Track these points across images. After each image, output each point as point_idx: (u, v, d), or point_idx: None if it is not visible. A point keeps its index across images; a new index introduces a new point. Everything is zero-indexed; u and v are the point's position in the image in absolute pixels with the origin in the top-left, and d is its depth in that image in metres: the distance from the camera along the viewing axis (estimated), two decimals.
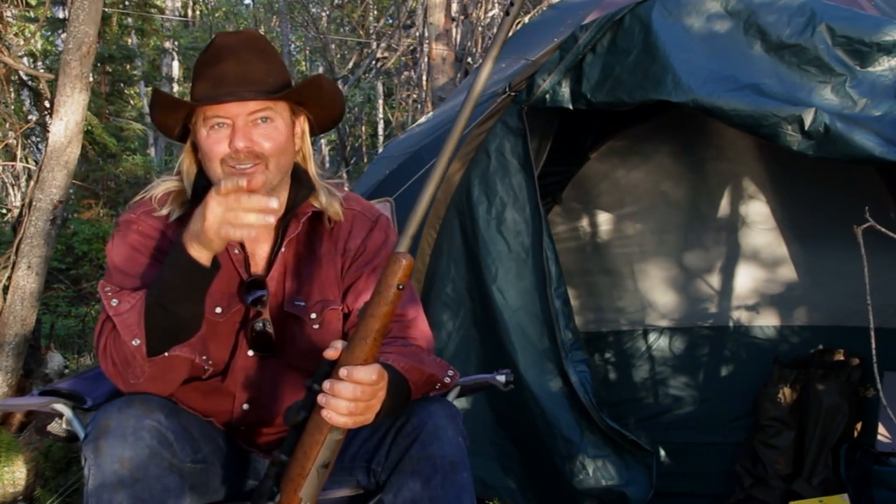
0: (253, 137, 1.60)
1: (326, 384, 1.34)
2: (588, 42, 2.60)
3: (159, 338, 1.51)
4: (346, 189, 1.87)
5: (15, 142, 4.40)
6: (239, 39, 1.67)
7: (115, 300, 1.54)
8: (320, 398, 1.34)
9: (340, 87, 10.48)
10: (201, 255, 1.48)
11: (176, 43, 12.69)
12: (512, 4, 1.29)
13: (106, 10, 7.57)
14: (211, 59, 1.64)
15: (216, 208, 1.41)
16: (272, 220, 1.43)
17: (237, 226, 1.41)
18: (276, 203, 1.43)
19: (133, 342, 1.50)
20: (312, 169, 1.74)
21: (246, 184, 1.40)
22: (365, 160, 12.37)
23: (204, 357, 1.61)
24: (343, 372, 1.33)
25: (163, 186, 1.71)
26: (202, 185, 1.66)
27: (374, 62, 11.44)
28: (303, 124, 1.71)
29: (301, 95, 1.68)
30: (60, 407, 1.73)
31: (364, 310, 1.34)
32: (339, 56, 12.28)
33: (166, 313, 1.50)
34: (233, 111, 1.60)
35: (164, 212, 1.67)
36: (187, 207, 1.67)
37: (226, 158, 1.60)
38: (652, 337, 3.62)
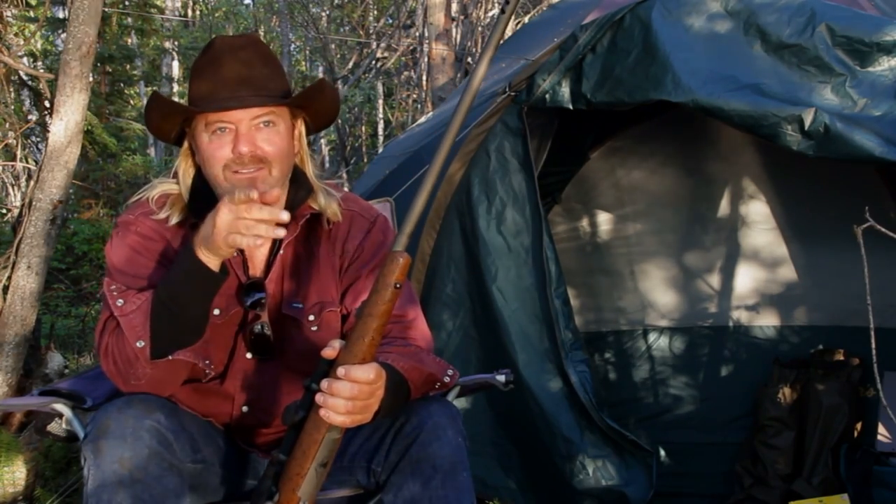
0: (256, 142, 1.60)
1: (324, 383, 1.34)
2: (588, 42, 2.60)
3: (164, 340, 1.52)
4: (344, 189, 1.87)
5: (15, 142, 4.40)
6: (239, 42, 1.66)
7: (120, 300, 1.54)
8: (318, 397, 1.34)
9: (340, 87, 10.48)
10: (210, 259, 1.49)
11: (176, 43, 12.70)
12: (507, 2, 1.29)
13: (106, 10, 7.58)
14: (211, 60, 1.63)
15: (227, 215, 1.42)
16: (282, 232, 1.44)
17: (246, 235, 1.41)
18: (287, 216, 1.43)
19: (137, 344, 1.51)
20: (310, 170, 1.73)
21: (258, 196, 1.41)
22: (365, 160, 12.37)
23: (206, 361, 1.61)
24: (341, 371, 1.33)
25: (159, 188, 1.71)
26: (200, 190, 1.66)
27: (374, 62, 11.43)
28: (300, 126, 1.71)
29: (306, 101, 1.68)
30: (60, 407, 1.73)
31: (361, 309, 1.34)
32: (339, 56, 12.27)
33: (172, 316, 1.51)
34: (236, 116, 1.60)
35: (163, 216, 1.67)
36: (185, 212, 1.67)
37: (229, 163, 1.60)
38: (652, 337, 3.62)
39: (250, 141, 1.59)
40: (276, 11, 12.89)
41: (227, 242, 1.44)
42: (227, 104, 1.59)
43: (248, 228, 1.41)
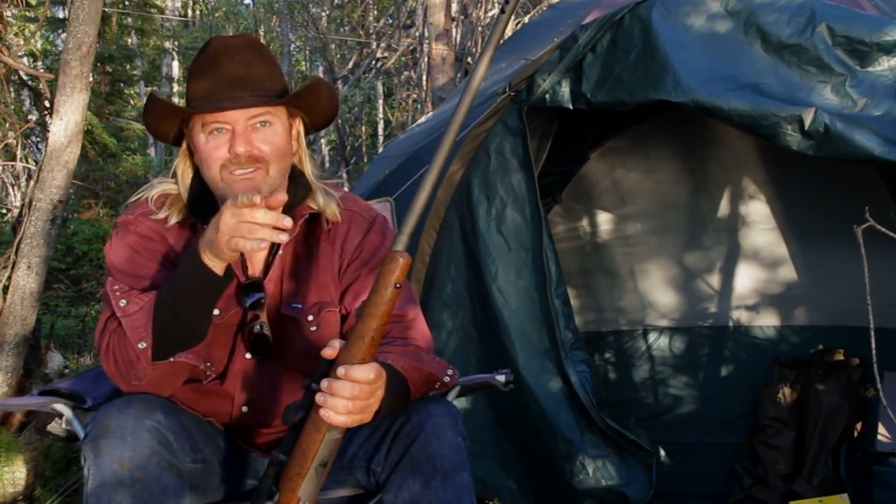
0: (253, 142, 1.60)
1: (324, 383, 1.34)
2: (588, 42, 2.60)
3: (166, 342, 1.52)
4: (344, 189, 1.87)
5: (15, 142, 4.40)
6: (236, 42, 1.66)
7: (123, 300, 1.54)
8: (318, 397, 1.34)
9: (340, 87, 10.48)
10: (214, 263, 1.49)
11: (176, 43, 12.70)
12: (507, 2, 1.29)
13: (106, 10, 7.58)
14: (208, 60, 1.63)
15: (230, 219, 1.42)
16: (285, 237, 1.43)
17: (249, 238, 1.41)
18: (291, 222, 1.42)
19: (139, 345, 1.51)
20: (309, 170, 1.74)
21: (260, 200, 1.40)
22: (365, 160, 12.36)
23: (207, 363, 1.62)
24: (341, 371, 1.33)
25: (158, 188, 1.71)
26: (199, 190, 1.66)
27: (374, 62, 11.43)
28: (298, 126, 1.71)
29: (301, 101, 1.68)
30: (60, 407, 1.73)
31: (361, 309, 1.34)
32: (339, 56, 12.26)
33: (175, 318, 1.51)
34: (232, 116, 1.60)
35: (162, 216, 1.67)
36: (184, 212, 1.67)
37: (225, 163, 1.60)
38: (652, 337, 3.62)
39: (247, 141, 1.59)
40: (276, 11, 12.88)
41: (230, 246, 1.43)
42: (223, 104, 1.59)
43: (251, 232, 1.41)
